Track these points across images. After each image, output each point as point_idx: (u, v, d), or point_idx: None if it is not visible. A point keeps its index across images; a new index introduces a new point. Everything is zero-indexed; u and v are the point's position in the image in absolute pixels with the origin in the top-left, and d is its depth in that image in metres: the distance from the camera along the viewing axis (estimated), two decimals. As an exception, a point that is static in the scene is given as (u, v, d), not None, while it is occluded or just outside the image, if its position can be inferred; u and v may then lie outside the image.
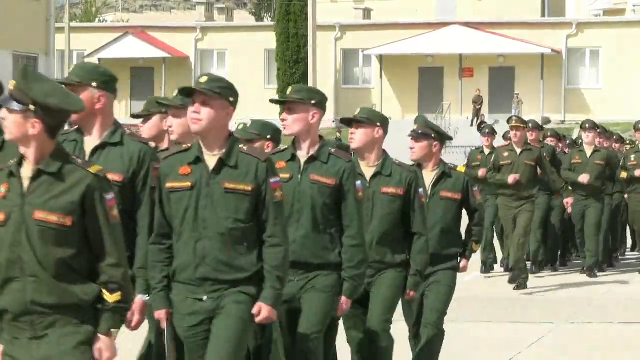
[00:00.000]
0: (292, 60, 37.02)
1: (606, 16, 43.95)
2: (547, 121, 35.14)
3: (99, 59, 40.24)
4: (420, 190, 4.58)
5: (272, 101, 4.84)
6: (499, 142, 12.69)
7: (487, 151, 11.25)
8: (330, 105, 38.92)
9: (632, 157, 11.36)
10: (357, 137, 4.39)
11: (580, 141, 12.06)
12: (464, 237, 5.24)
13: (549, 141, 11.89)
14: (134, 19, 60.30)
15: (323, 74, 31.85)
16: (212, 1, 53.43)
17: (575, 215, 11.26)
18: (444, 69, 37.28)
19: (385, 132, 4.52)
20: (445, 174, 5.01)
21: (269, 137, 4.40)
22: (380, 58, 37.81)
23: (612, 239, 12.52)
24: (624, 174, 11.27)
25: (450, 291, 5.06)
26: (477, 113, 34.98)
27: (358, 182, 4.03)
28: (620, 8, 48.10)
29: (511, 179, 9.90)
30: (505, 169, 9.97)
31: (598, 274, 11.09)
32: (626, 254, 13.37)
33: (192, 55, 40.95)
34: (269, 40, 38.75)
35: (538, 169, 10.24)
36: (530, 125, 10.89)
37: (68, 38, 34.19)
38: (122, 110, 39.88)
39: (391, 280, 4.49)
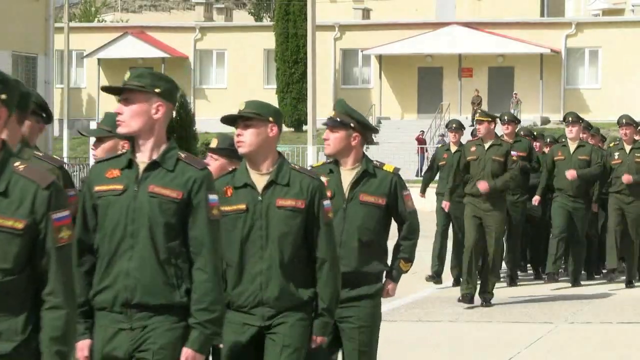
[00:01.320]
0: (291, 60, 36.78)
1: (605, 16, 43.82)
2: (547, 121, 35.04)
3: (98, 59, 40.48)
4: (326, 203, 3.54)
5: (103, 89, 3.39)
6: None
7: (453, 148, 10.45)
8: (328, 105, 39.10)
9: (616, 154, 10.51)
10: (246, 139, 3.39)
11: (564, 139, 11.08)
12: (392, 253, 4.22)
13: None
14: (133, 19, 60.02)
15: (322, 73, 31.80)
16: (211, 1, 53.13)
17: (559, 215, 10.34)
18: (443, 69, 37.02)
19: (280, 128, 3.57)
20: (368, 173, 4.07)
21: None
22: (380, 58, 37.55)
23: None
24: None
25: (372, 333, 4.03)
26: (476, 113, 34.85)
27: (212, 197, 3.07)
28: (619, 8, 47.85)
29: (482, 185, 9.02)
30: (472, 165, 9.13)
31: (596, 276, 10.84)
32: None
33: (191, 55, 40.70)
34: (268, 40, 38.40)
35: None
36: (505, 118, 10.28)
37: (67, 38, 34.10)
38: None
39: (293, 329, 3.40)
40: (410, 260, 4.17)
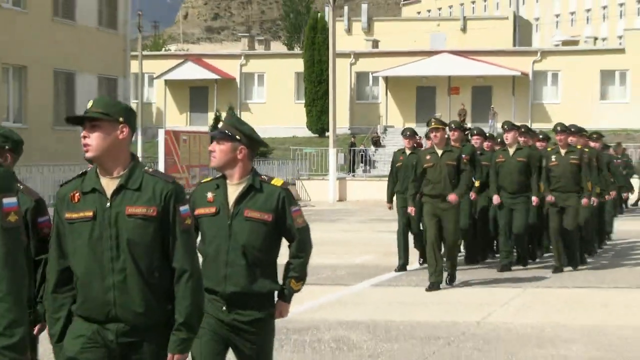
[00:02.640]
0: (316, 81, 34.87)
1: (564, 46, 42.06)
2: (517, 129, 33.71)
3: (165, 80, 38.27)
4: (183, 208, 2.52)
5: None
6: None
7: (408, 152, 9.14)
8: (345, 116, 37.89)
9: (553, 157, 9.36)
10: (92, 142, 2.42)
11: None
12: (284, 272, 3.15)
13: (475, 139, 9.79)
14: (192, 49, 58.14)
15: (340, 91, 30.26)
16: (253, 34, 51.56)
17: (502, 215, 8.98)
18: (436, 88, 35.65)
19: (133, 128, 2.54)
20: (254, 187, 3.08)
21: (7, 147, 3.13)
22: (386, 79, 35.87)
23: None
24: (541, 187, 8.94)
25: (265, 353, 3.06)
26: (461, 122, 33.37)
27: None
28: (575, 40, 46.42)
29: (452, 197, 7.77)
30: (428, 171, 7.92)
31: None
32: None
33: (238, 77, 38.19)
34: (298, 65, 36.30)
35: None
36: (452, 125, 8.91)
37: (141, 64, 32.90)
38: (183, 121, 38.09)
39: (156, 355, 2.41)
40: (301, 278, 3.11)
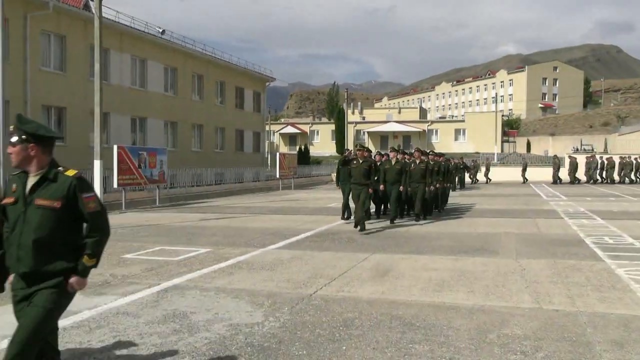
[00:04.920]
0: (339, 134, 56.41)
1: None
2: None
3: (280, 134, 65.69)
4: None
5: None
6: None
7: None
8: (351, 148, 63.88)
9: (412, 165, 13.08)
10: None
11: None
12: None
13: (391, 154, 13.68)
14: (291, 119, 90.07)
15: (349, 140, 50.22)
16: (315, 114, 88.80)
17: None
18: (388, 137, 61.82)
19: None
20: (47, 178, 3.15)
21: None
22: (369, 133, 63.09)
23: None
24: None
25: (47, 314, 3.04)
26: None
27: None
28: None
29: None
30: (352, 170, 11.98)
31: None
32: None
33: (309, 132, 67.24)
34: (332, 127, 63.65)
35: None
36: (362, 147, 12.35)
37: (270, 126, 53.77)
38: (286, 149, 63.75)
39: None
40: (94, 255, 3.22)
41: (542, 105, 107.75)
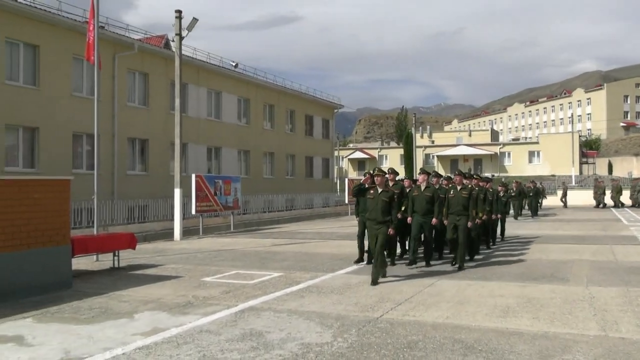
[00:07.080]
0: (408, 159, 56.81)
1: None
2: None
3: (349, 159, 70.72)
4: None
5: None
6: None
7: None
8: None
9: (452, 191, 10.69)
10: None
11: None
12: None
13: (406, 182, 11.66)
14: (360, 145, 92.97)
15: (417, 164, 48.87)
16: (383, 139, 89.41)
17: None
18: (458, 160, 66.31)
19: None
20: None
21: None
22: (438, 157, 65.43)
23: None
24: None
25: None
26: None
27: None
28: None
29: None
30: (369, 201, 9.28)
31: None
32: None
33: (377, 157, 69.62)
34: (400, 151, 65.95)
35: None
36: (389, 170, 10.74)
37: (338, 152, 53.52)
38: (355, 175, 68.86)
39: None
40: None
41: (624, 124, 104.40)
